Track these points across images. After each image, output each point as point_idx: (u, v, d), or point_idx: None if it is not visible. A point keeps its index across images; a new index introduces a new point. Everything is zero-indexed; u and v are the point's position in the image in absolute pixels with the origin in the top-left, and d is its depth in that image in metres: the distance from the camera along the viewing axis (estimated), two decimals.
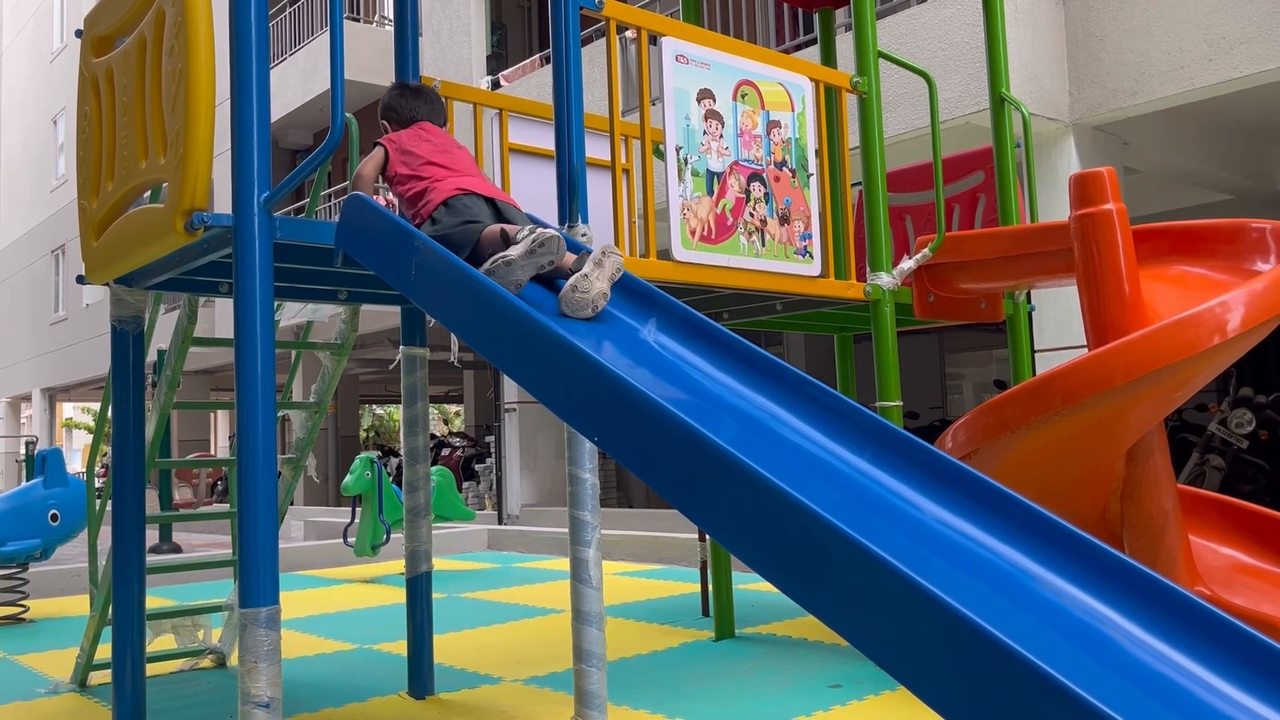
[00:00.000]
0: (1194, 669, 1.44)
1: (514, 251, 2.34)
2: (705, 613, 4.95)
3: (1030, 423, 2.87)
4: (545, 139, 3.77)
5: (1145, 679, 1.44)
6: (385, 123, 3.10)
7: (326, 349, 4.05)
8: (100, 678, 4.01)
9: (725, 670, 3.89)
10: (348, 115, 2.90)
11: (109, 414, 3.38)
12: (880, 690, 3.41)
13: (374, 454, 7.14)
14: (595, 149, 3.51)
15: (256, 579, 2.39)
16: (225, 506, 12.25)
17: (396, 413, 29.80)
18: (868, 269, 3.76)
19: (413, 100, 3.08)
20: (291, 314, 4.07)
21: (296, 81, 15.45)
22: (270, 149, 2.55)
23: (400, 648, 4.06)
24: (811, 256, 3.64)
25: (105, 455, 13.16)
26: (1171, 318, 2.71)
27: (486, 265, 2.33)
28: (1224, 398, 8.08)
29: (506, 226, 2.51)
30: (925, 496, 1.77)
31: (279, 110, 15.28)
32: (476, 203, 2.67)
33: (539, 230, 2.38)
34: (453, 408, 30.04)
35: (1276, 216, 7.12)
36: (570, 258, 2.42)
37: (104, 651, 3.67)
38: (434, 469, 7.20)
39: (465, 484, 13.66)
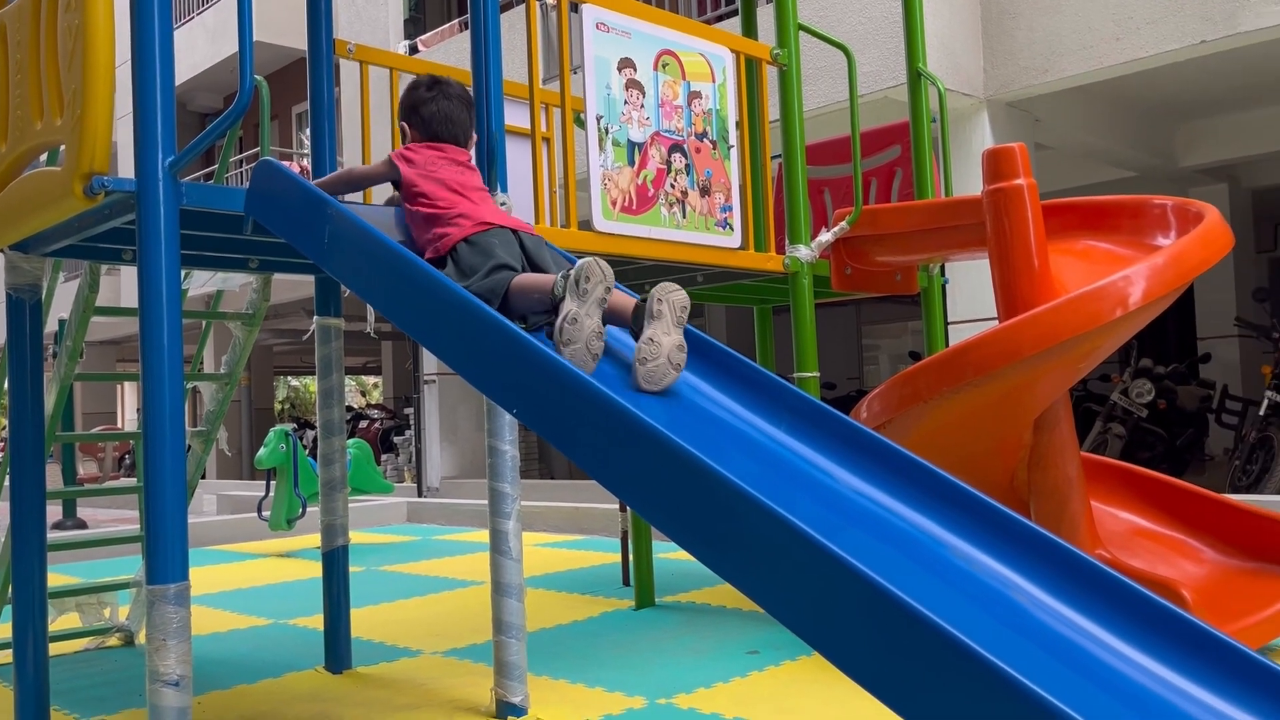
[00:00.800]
0: (1095, 630, 1.49)
1: (570, 306, 1.97)
2: (626, 582, 4.98)
3: (942, 393, 2.94)
4: None
5: (1049, 641, 1.49)
6: (405, 125, 2.66)
7: (237, 319, 3.95)
8: (1, 658, 3.88)
9: (645, 638, 3.92)
10: (257, 78, 2.81)
11: (4, 386, 3.25)
12: (796, 655, 3.48)
13: (289, 426, 7.00)
14: (515, 117, 3.46)
15: (165, 554, 2.33)
16: (132, 481, 11.89)
17: (312, 384, 29.28)
18: (786, 241, 3.80)
19: (443, 104, 2.60)
20: (200, 283, 3.95)
21: (205, 42, 14.93)
22: (175, 111, 2.45)
23: (316, 622, 4.00)
24: (731, 228, 3.65)
25: (2, 429, 12.66)
26: (1077, 291, 2.80)
27: (556, 338, 1.98)
28: (1125, 368, 8.38)
29: (539, 277, 2.18)
30: (840, 466, 1.80)
31: (186, 71, 14.77)
32: (504, 238, 2.32)
33: (571, 268, 2.05)
34: (371, 379, 29.59)
35: (1178, 193, 7.37)
36: (625, 302, 2.07)
37: (4, 631, 3.55)
38: (351, 441, 7.09)
39: (384, 456, 13.49)
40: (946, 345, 4.57)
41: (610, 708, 3.04)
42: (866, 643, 1.39)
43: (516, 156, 3.32)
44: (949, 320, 6.74)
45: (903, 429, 3.13)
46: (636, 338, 1.98)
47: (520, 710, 2.98)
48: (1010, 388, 2.92)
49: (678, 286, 2.00)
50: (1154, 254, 2.90)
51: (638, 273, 3.89)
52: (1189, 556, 3.42)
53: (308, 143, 4.75)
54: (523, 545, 3.11)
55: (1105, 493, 3.63)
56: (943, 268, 4.63)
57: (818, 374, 3.72)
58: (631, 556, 4.64)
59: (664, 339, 1.93)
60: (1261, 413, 7.31)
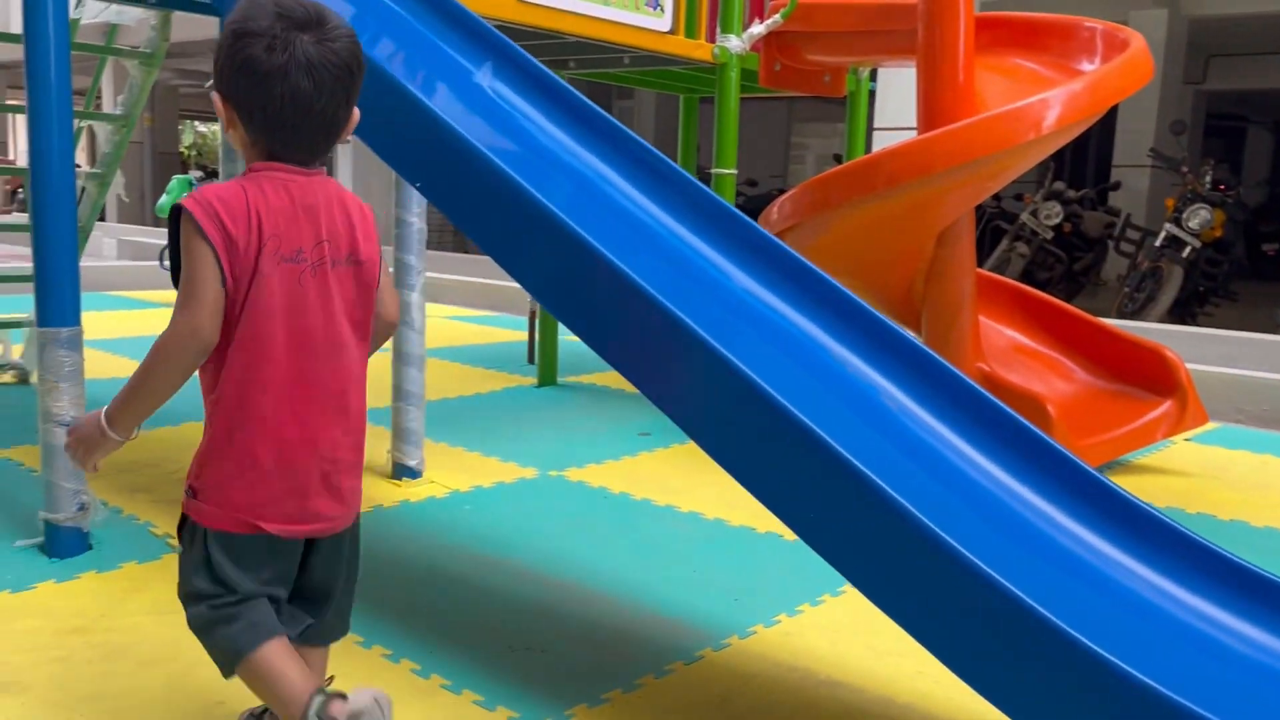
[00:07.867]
0: (952, 438, 1.60)
1: None
2: (530, 360, 5.09)
3: (852, 201, 2.98)
4: None
5: (906, 442, 1.60)
6: (222, 99, 1.40)
7: (134, 57, 3.72)
8: None
9: (543, 414, 4.05)
10: None
11: None
12: (686, 441, 3.65)
13: (195, 174, 6.74)
14: None
15: (55, 298, 2.29)
16: (24, 218, 11.42)
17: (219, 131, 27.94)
18: (718, 30, 3.69)
19: (278, 63, 1.32)
20: (94, 13, 3.68)
21: None
22: None
23: None
24: (662, 10, 3.52)
25: None
26: (994, 111, 2.81)
27: None
28: (1039, 189, 8.53)
29: (290, 674, 1.40)
30: (738, 267, 1.84)
31: None
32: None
33: (341, 703, 1.36)
34: None
35: (1118, 13, 7.20)
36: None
37: None
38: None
39: None
40: (868, 152, 4.57)
41: (503, 476, 3.17)
42: (740, 433, 1.48)
43: None
44: (874, 126, 6.71)
45: (810, 233, 3.18)
46: None
47: (415, 473, 3.10)
48: (919, 200, 2.97)
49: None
50: (1074, 79, 2.91)
51: (562, 48, 3.76)
52: (1062, 375, 3.63)
53: None
54: (425, 317, 3.13)
55: (995, 309, 3.78)
56: (873, 73, 4.57)
57: (734, 171, 3.71)
58: (538, 335, 4.72)
59: None
60: (1158, 244, 7.59)
